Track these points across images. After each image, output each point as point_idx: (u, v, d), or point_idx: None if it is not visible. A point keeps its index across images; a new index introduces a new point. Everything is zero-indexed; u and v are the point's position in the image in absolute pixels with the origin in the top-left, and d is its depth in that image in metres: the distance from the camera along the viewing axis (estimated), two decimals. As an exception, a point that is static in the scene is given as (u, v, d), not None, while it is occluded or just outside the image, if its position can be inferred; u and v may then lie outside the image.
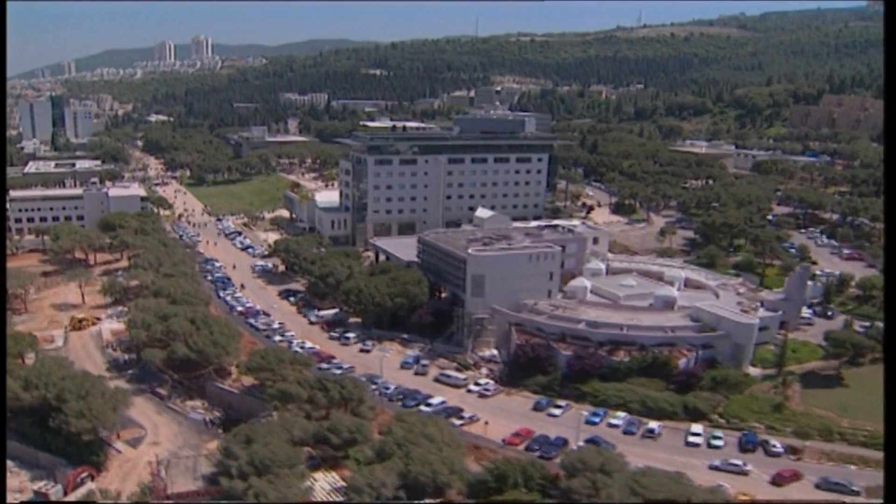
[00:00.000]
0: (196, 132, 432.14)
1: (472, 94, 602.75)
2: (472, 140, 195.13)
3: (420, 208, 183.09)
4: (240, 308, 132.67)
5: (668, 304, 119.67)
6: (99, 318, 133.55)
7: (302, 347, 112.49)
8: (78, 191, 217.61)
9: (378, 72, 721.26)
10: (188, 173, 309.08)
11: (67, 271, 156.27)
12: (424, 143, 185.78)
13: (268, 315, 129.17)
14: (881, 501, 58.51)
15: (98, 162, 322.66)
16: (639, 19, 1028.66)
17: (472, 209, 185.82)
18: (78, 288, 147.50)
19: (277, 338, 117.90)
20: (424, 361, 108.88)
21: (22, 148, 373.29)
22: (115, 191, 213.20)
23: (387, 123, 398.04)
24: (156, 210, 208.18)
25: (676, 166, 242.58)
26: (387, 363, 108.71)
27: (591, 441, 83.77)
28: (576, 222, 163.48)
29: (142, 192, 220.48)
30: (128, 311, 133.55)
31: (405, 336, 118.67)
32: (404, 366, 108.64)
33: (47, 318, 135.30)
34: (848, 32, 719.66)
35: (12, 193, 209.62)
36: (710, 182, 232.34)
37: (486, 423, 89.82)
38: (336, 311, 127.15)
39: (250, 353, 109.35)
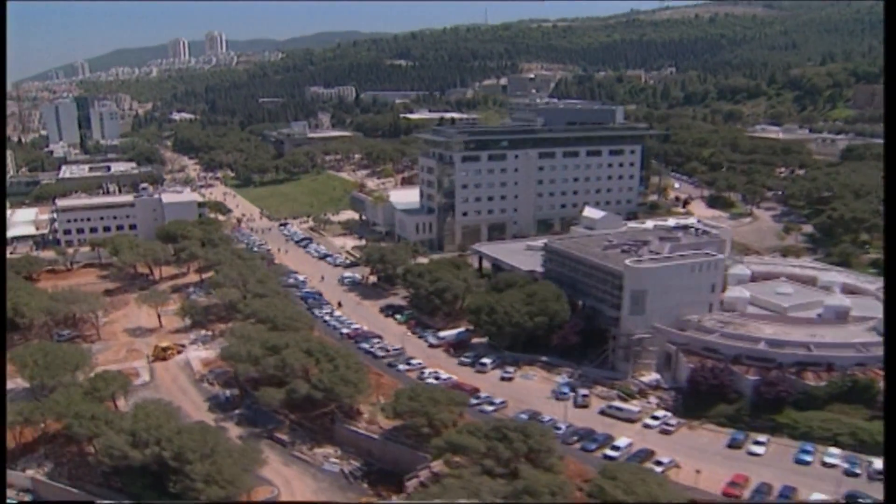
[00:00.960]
0: (229, 130, 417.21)
1: (503, 82, 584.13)
2: (566, 132, 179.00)
3: (510, 208, 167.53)
4: (346, 330, 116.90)
5: (840, 316, 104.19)
6: (183, 346, 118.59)
7: (437, 378, 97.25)
8: (128, 198, 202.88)
9: (403, 62, 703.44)
10: (230, 174, 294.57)
11: (140, 291, 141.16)
12: (516, 137, 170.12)
13: (380, 338, 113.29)
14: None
15: (133, 164, 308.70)
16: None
17: (564, 207, 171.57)
18: (150, 308, 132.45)
19: (403, 367, 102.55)
20: (583, 391, 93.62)
21: (51, 152, 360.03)
22: (168, 196, 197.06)
23: (427, 115, 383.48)
24: (214, 216, 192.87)
25: (760, 154, 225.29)
26: (535, 393, 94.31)
27: (852, 497, 68.77)
28: (692, 219, 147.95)
29: (197, 197, 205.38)
30: (212, 335, 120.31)
31: (545, 359, 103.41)
32: (559, 396, 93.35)
33: (124, 347, 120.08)
34: (881, 7, 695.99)
35: (59, 203, 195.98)
36: (801, 171, 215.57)
37: (699, 471, 74.62)
38: (460, 330, 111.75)
39: (378, 386, 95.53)
